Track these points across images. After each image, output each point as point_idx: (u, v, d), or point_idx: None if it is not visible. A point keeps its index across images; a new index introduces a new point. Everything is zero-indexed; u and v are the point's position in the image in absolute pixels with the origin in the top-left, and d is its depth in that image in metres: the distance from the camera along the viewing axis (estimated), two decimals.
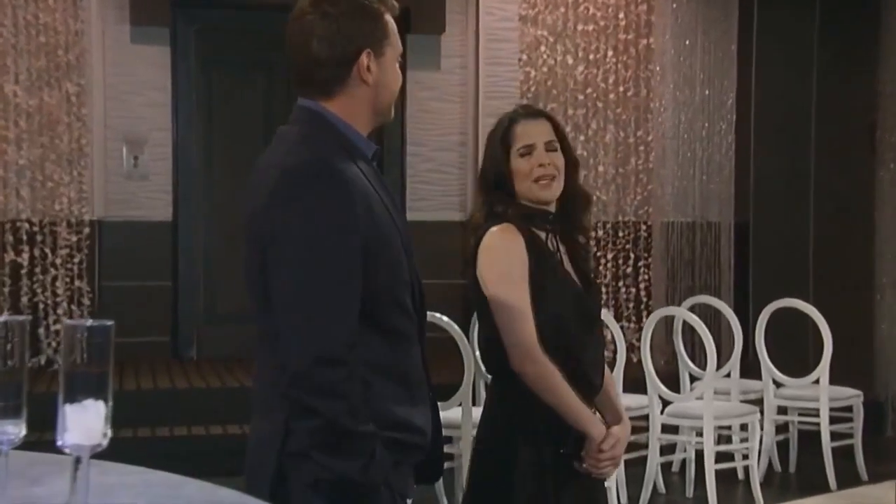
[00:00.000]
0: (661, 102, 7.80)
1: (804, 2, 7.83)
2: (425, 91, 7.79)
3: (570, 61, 7.71)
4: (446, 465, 2.60)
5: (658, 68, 7.79)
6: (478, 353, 4.10)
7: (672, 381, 5.91)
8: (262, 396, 2.17)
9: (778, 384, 6.19)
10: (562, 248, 2.81)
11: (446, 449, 2.65)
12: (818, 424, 6.04)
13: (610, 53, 7.75)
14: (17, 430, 1.54)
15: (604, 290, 7.52)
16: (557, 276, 2.75)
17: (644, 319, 7.06)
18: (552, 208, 2.81)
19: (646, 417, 5.59)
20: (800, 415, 6.31)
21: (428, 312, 2.51)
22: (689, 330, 6.10)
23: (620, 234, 7.80)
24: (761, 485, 5.73)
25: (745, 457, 5.74)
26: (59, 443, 1.48)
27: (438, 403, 2.34)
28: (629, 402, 5.53)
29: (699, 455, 5.59)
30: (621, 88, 7.77)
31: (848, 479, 6.06)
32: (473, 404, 4.97)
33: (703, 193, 7.85)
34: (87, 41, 7.07)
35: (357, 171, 2.13)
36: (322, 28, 2.15)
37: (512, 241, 2.73)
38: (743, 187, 7.86)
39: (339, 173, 2.08)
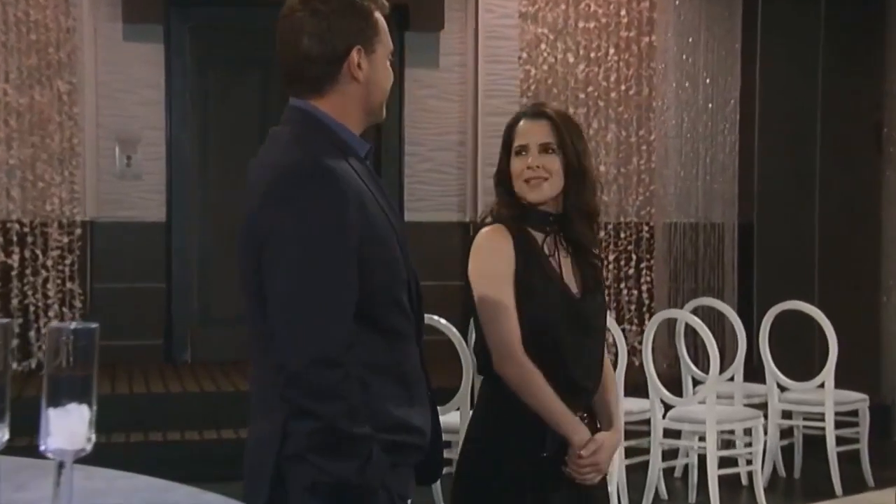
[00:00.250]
0: (664, 101, 7.80)
1: None
2: (424, 89, 7.78)
3: (571, 59, 7.70)
4: (445, 470, 2.60)
5: (660, 66, 7.79)
6: None
7: (674, 385, 5.91)
8: (261, 398, 2.19)
9: (782, 388, 6.19)
10: (561, 251, 2.81)
11: (445, 454, 2.66)
12: (823, 429, 6.03)
13: (611, 51, 7.75)
14: (1, 434, 1.53)
15: (605, 291, 7.51)
16: (546, 277, 2.75)
17: (646, 322, 7.05)
18: (552, 209, 2.81)
19: (647, 422, 5.58)
20: (804, 419, 6.31)
21: (426, 315, 2.52)
22: (691, 333, 6.09)
23: (622, 235, 7.79)
24: (765, 490, 5.73)
25: (749, 462, 5.73)
26: (41, 447, 1.48)
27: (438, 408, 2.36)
28: (630, 405, 5.54)
29: (702, 460, 5.58)
30: (623, 87, 7.77)
31: (854, 484, 6.05)
32: (472, 408, 4.96)
33: (707, 194, 7.85)
34: (79, 39, 7.07)
35: (350, 170, 2.15)
36: (312, 25, 2.17)
37: (499, 241, 2.75)
38: (747, 187, 7.85)
39: (332, 172, 2.10)
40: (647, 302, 7.77)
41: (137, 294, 7.29)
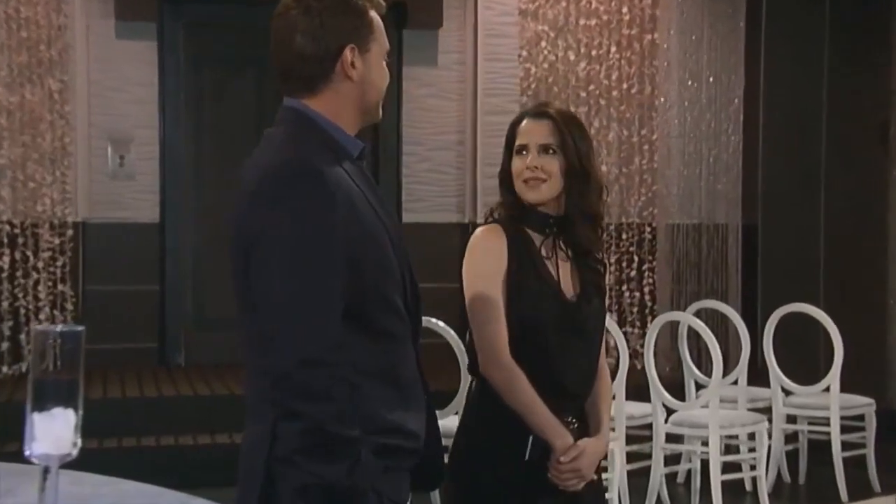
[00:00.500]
0: (666, 100, 7.80)
1: None
2: (422, 88, 7.78)
3: (572, 57, 7.70)
4: None
5: (663, 64, 7.79)
6: None
7: (677, 389, 5.91)
8: (253, 402, 2.21)
9: (787, 392, 6.18)
10: (560, 254, 2.82)
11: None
12: (829, 434, 6.03)
13: (613, 49, 7.75)
14: None
15: (607, 293, 7.51)
16: (538, 279, 2.76)
17: (648, 324, 7.05)
18: (553, 211, 2.81)
19: (649, 426, 5.58)
20: (810, 424, 6.30)
21: (424, 317, 2.52)
22: (694, 335, 6.09)
23: (624, 236, 7.79)
24: (770, 496, 5.73)
25: (753, 467, 5.73)
26: (26, 452, 1.48)
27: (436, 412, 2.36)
28: (632, 410, 5.54)
29: (705, 465, 5.58)
30: (625, 85, 7.76)
31: (860, 490, 6.04)
32: None
33: (710, 194, 7.85)
34: (71, 36, 7.06)
35: (340, 171, 2.16)
36: (305, 23, 2.19)
37: (492, 241, 2.77)
38: (751, 188, 7.85)
39: (320, 173, 2.11)
40: (649, 304, 7.77)
41: (130, 296, 7.29)
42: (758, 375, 6.47)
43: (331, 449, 2.05)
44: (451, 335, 5.00)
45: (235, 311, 2.23)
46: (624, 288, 7.77)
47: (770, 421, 5.92)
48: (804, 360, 6.82)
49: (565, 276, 2.81)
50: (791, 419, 6.29)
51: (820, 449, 6.20)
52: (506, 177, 2.85)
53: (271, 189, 2.11)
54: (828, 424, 6.04)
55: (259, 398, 2.15)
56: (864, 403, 6.23)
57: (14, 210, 6.98)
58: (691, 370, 6.10)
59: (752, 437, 5.78)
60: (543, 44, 7.67)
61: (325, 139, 2.21)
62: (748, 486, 5.95)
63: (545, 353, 2.74)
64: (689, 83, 7.82)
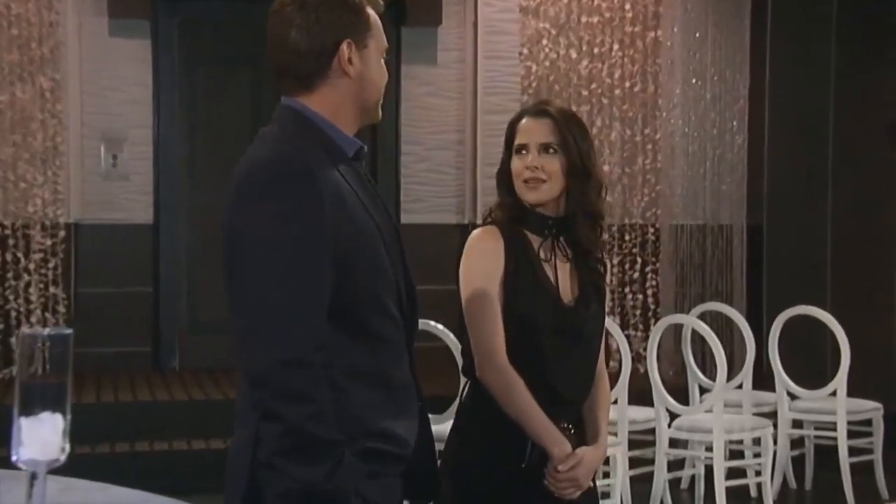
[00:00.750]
0: (670, 99, 7.80)
1: None
2: (421, 87, 7.78)
3: (574, 55, 7.70)
4: None
5: (667, 63, 7.79)
6: None
7: (680, 393, 5.90)
8: (239, 405, 2.21)
9: (793, 396, 6.18)
10: (559, 256, 2.81)
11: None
12: (835, 439, 6.02)
13: (616, 47, 7.75)
14: None
15: (609, 296, 7.51)
16: (535, 282, 2.76)
17: (651, 327, 7.04)
18: (552, 212, 2.81)
19: (652, 431, 5.58)
20: (816, 429, 6.30)
21: (422, 320, 2.51)
22: (698, 339, 6.08)
23: (627, 237, 7.79)
24: (775, 503, 5.72)
25: (758, 473, 5.72)
26: (13, 458, 1.48)
27: (433, 416, 2.35)
28: (635, 414, 5.53)
29: (709, 471, 5.57)
30: (627, 84, 7.76)
31: (867, 496, 6.04)
32: None
33: (714, 194, 7.85)
34: (63, 34, 7.06)
35: (330, 168, 2.16)
36: (300, 19, 2.21)
37: (488, 243, 2.77)
38: (756, 188, 7.85)
39: (307, 169, 2.11)
40: (652, 307, 7.77)
41: (123, 299, 7.29)
42: (763, 379, 6.47)
43: (310, 451, 2.05)
44: (450, 338, 5.00)
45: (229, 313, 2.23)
46: (627, 290, 7.77)
47: (775, 426, 5.91)
48: (810, 363, 6.81)
49: (564, 279, 2.80)
50: (797, 424, 6.28)
51: (826, 454, 6.19)
52: (505, 177, 2.84)
53: (255, 186, 2.12)
54: (834, 429, 6.04)
55: (244, 402, 2.16)
56: (871, 408, 6.23)
57: (5, 211, 6.98)
58: (695, 374, 6.09)
59: (757, 442, 5.78)
60: (545, 41, 7.67)
61: (321, 138, 2.21)
62: (753, 493, 5.95)
63: (541, 358, 2.74)
64: (693, 81, 7.82)
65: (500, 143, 2.92)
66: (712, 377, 5.71)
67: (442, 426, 2.96)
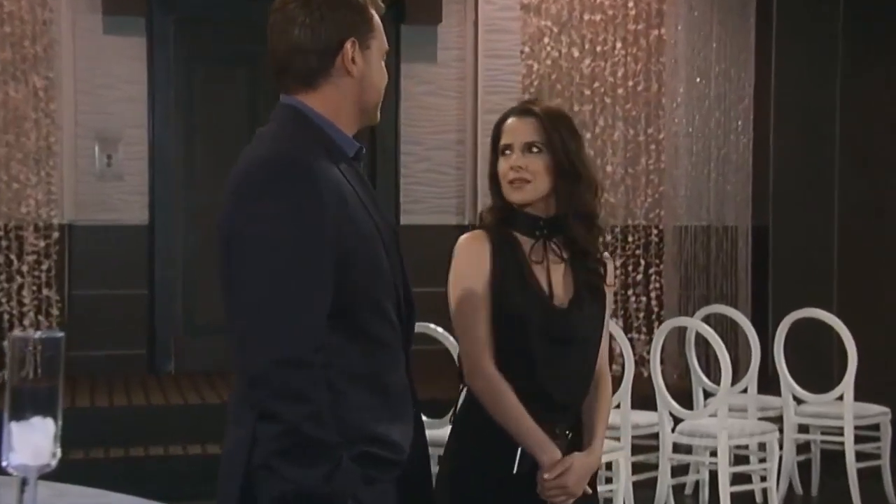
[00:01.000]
0: (674, 98, 7.80)
1: None
2: (421, 86, 7.78)
3: (576, 54, 7.70)
4: None
5: (670, 61, 7.79)
6: None
7: (684, 397, 5.90)
8: (233, 406, 2.22)
9: (799, 400, 6.17)
10: (552, 257, 2.80)
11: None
12: (842, 444, 6.02)
13: (619, 45, 7.75)
14: None
15: (612, 298, 7.51)
16: (524, 285, 2.75)
17: (655, 330, 7.04)
18: (542, 212, 2.80)
19: (656, 436, 5.58)
20: (822, 433, 6.30)
21: (422, 323, 2.51)
22: (702, 342, 6.08)
23: (630, 238, 7.79)
24: None
25: (764, 479, 5.72)
26: (3, 463, 1.48)
27: (432, 421, 2.35)
28: (638, 419, 5.53)
29: (713, 477, 5.57)
30: (631, 83, 7.76)
31: (874, 502, 6.04)
32: None
33: (719, 195, 7.85)
34: (57, 31, 7.06)
35: (331, 168, 2.17)
36: (304, 16, 2.23)
37: (475, 248, 2.78)
38: (761, 188, 7.85)
39: (308, 168, 2.12)
40: (655, 309, 7.77)
41: (118, 301, 7.28)
42: (768, 383, 6.47)
43: (308, 452, 2.05)
44: (449, 341, 5.00)
45: (224, 316, 2.23)
46: (630, 292, 7.77)
47: (781, 430, 5.91)
48: (816, 367, 6.81)
49: (557, 280, 2.79)
50: (803, 429, 6.28)
51: (833, 460, 6.19)
52: (493, 179, 2.84)
53: (255, 183, 2.12)
54: (841, 434, 6.03)
55: (239, 402, 2.17)
56: (878, 412, 6.22)
57: None
58: (699, 378, 6.09)
59: (762, 447, 5.77)
60: (546, 40, 7.67)
61: (321, 137, 2.23)
62: (759, 499, 5.94)
63: (532, 361, 2.73)
64: (698, 80, 7.82)
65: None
66: (717, 381, 5.71)
67: (441, 431, 2.96)
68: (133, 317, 7.34)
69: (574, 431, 2.80)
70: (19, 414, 1.48)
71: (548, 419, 2.73)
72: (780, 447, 5.83)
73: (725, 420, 5.42)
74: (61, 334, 1.52)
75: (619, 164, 7.77)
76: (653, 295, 7.80)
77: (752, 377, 5.99)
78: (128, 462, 6.04)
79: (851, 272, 7.79)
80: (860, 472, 6.00)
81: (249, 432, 2.09)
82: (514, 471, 2.71)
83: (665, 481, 5.55)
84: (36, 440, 1.47)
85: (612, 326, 4.82)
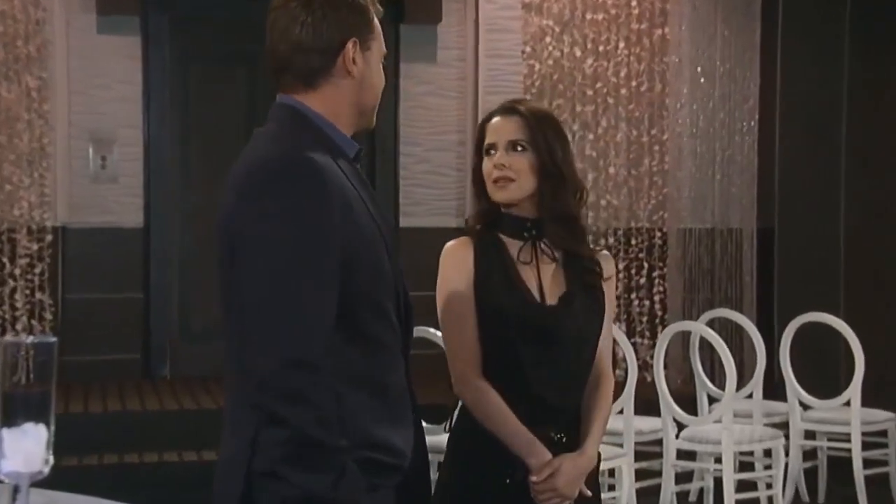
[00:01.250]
0: (678, 98, 7.80)
1: None
2: (420, 86, 7.78)
3: (578, 53, 7.70)
4: None
5: (674, 61, 7.79)
6: None
7: (688, 403, 5.90)
8: (232, 410, 2.21)
9: (805, 406, 6.17)
10: (543, 259, 2.79)
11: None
12: (849, 450, 6.02)
13: (622, 45, 7.75)
14: None
15: (615, 301, 7.51)
16: (508, 288, 2.74)
17: (658, 335, 7.04)
18: (529, 213, 2.79)
19: (659, 442, 5.57)
20: (829, 440, 6.29)
21: (421, 327, 2.52)
22: (707, 346, 6.08)
23: (633, 241, 7.78)
24: None
25: (769, 486, 5.72)
26: None
27: (432, 426, 2.35)
28: (641, 425, 5.53)
29: (718, 484, 5.57)
30: (634, 83, 7.76)
31: None
32: None
33: (724, 197, 7.85)
34: (50, 31, 7.06)
35: (335, 167, 2.18)
36: (306, 14, 2.24)
37: (458, 255, 2.79)
38: (767, 190, 7.85)
39: (314, 167, 2.12)
40: (659, 313, 7.76)
41: (113, 305, 7.28)
42: (774, 389, 6.46)
43: (316, 458, 2.05)
44: None
45: (223, 315, 2.23)
46: (633, 296, 7.76)
47: (787, 437, 5.90)
48: (823, 372, 6.81)
49: (548, 281, 2.79)
50: (809, 435, 6.27)
51: (840, 466, 6.19)
52: (477, 180, 2.85)
53: (262, 184, 2.12)
54: (848, 440, 6.03)
55: (239, 407, 2.16)
56: (886, 418, 6.22)
57: None
58: (704, 383, 6.09)
59: (768, 453, 5.77)
60: (548, 39, 7.67)
61: (321, 137, 2.23)
62: None
63: (519, 364, 2.72)
64: (702, 80, 7.82)
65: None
66: (721, 386, 5.71)
67: (441, 437, 2.96)
68: (128, 321, 7.33)
69: (570, 435, 2.77)
70: (11, 420, 1.48)
71: (540, 423, 2.72)
72: (786, 454, 5.82)
73: (730, 426, 5.42)
74: (53, 339, 1.52)
75: (621, 165, 7.77)
76: (656, 299, 7.79)
77: (757, 382, 5.99)
78: (122, 469, 6.04)
79: (858, 275, 7.79)
80: (868, 479, 6.00)
81: (250, 437, 2.09)
82: (508, 480, 2.69)
83: (669, 488, 5.54)
84: (28, 447, 1.47)
85: (615, 331, 4.82)
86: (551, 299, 2.77)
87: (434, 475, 2.79)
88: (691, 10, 7.79)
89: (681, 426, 5.60)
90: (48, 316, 7.04)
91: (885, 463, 6.21)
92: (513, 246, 2.80)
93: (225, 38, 7.55)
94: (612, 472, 5.30)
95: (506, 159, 2.77)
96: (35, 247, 7.01)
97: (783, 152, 7.84)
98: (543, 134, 2.78)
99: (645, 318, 7.77)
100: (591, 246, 2.90)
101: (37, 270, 7.02)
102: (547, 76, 7.68)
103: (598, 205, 7.60)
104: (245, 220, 2.12)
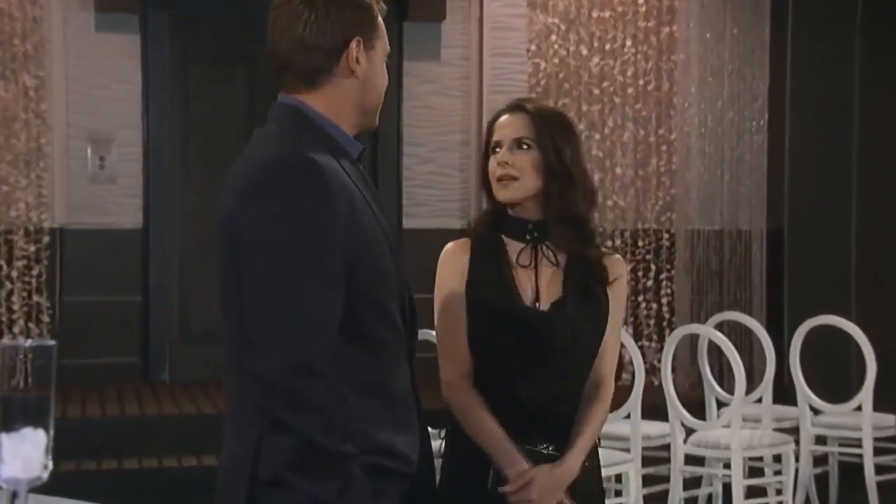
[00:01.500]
0: (686, 97, 7.80)
1: None
2: (424, 85, 7.79)
3: (585, 52, 7.71)
4: None
5: (682, 59, 7.79)
6: None
7: (696, 407, 5.89)
8: (234, 417, 2.20)
9: (815, 411, 6.16)
10: (545, 262, 2.76)
11: None
12: (861, 456, 6.01)
13: (628, 43, 7.75)
14: None
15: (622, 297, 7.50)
16: (499, 291, 2.73)
17: (666, 338, 7.04)
18: (531, 215, 2.78)
19: (667, 447, 5.57)
20: (840, 445, 6.29)
21: (424, 330, 2.51)
22: (715, 350, 6.08)
23: (640, 243, 7.78)
24: None
25: (779, 492, 5.71)
26: None
27: (436, 431, 2.35)
28: (649, 429, 5.52)
29: (727, 489, 5.56)
30: (641, 82, 7.77)
31: None
32: None
33: (732, 198, 7.84)
34: (47, 29, 7.08)
35: (337, 168, 2.18)
36: (310, 12, 2.24)
37: (453, 257, 2.79)
38: (776, 191, 7.84)
39: (318, 167, 2.12)
40: (667, 316, 7.76)
41: (111, 307, 7.29)
42: (784, 393, 6.46)
43: (322, 465, 2.05)
44: None
45: (222, 318, 2.23)
46: (640, 298, 7.76)
47: (797, 442, 5.90)
48: (834, 376, 6.80)
49: (545, 285, 2.75)
50: (820, 440, 6.27)
51: (851, 472, 6.18)
52: (485, 179, 2.83)
53: (264, 185, 2.12)
54: (860, 446, 6.02)
55: (240, 407, 2.16)
56: None
57: None
58: (712, 387, 6.08)
59: (777, 459, 5.76)
60: (553, 37, 7.67)
61: (323, 137, 2.23)
62: None
63: (506, 371, 2.70)
64: (710, 79, 7.82)
65: None
66: (730, 390, 5.70)
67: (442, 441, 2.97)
68: (126, 324, 7.35)
69: (561, 444, 2.72)
70: (9, 425, 1.48)
71: (528, 432, 2.69)
72: (797, 459, 5.81)
73: (739, 431, 5.41)
74: (53, 342, 1.52)
75: (628, 165, 7.77)
76: (664, 301, 7.79)
77: (766, 386, 5.98)
78: (121, 474, 6.04)
79: (870, 277, 7.78)
80: (880, 485, 5.99)
81: (254, 443, 2.08)
82: (488, 488, 2.67)
83: (676, 494, 5.54)
84: (27, 452, 1.47)
85: (622, 334, 4.81)
86: (545, 304, 2.74)
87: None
88: (699, 8, 7.79)
89: (689, 431, 5.59)
90: (45, 319, 7.05)
91: None
92: (513, 248, 2.78)
93: (225, 36, 7.57)
94: (618, 478, 5.29)
95: (509, 157, 2.75)
96: (32, 248, 7.03)
97: (793, 152, 7.83)
98: (550, 133, 2.75)
99: (652, 321, 7.77)
100: (602, 248, 2.86)
101: (34, 272, 7.03)
102: (552, 75, 7.68)
103: (604, 206, 7.60)
104: (245, 221, 2.12)
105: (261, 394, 2.06)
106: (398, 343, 2.26)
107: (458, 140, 7.86)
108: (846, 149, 7.86)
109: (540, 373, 2.71)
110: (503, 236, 2.79)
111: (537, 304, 2.74)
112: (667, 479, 5.57)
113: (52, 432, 1.49)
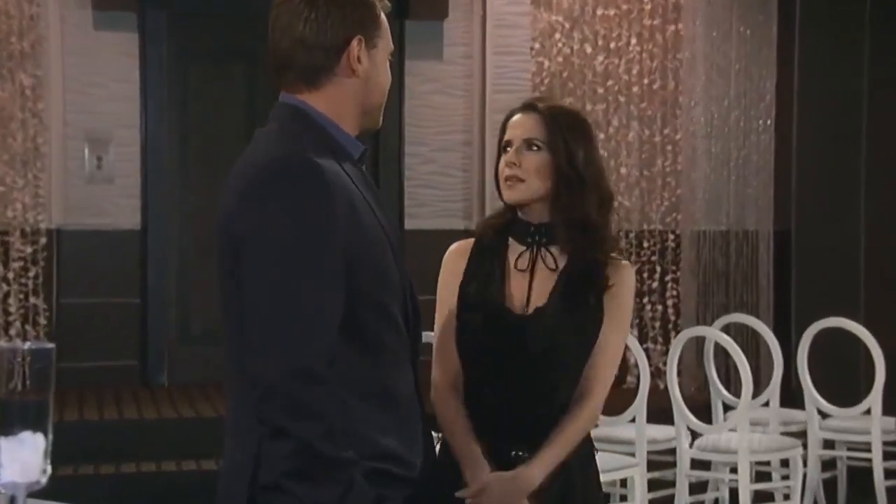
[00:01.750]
0: (691, 96, 7.80)
1: None
2: (426, 84, 7.79)
3: (589, 50, 7.71)
4: None
5: (688, 58, 7.79)
6: None
7: (703, 411, 5.89)
8: (234, 421, 2.21)
9: (824, 414, 6.16)
10: (543, 266, 2.74)
11: None
12: (870, 460, 6.01)
13: (633, 41, 7.76)
14: None
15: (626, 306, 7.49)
16: (485, 295, 2.72)
17: (671, 340, 7.03)
18: (535, 218, 2.75)
19: (673, 451, 5.56)
20: (849, 449, 6.28)
21: (427, 332, 2.51)
22: (722, 353, 6.07)
23: (645, 244, 7.78)
24: None
25: (787, 497, 5.71)
26: None
27: (438, 435, 2.35)
28: (654, 433, 5.52)
29: (734, 494, 5.56)
30: (646, 81, 7.77)
31: None
32: None
33: (739, 198, 7.84)
34: (44, 27, 7.08)
35: (338, 169, 2.18)
36: (310, 11, 2.23)
37: (452, 260, 2.81)
38: (783, 191, 7.84)
39: (318, 169, 2.12)
40: (672, 318, 7.76)
41: (109, 310, 7.29)
42: (791, 396, 6.46)
43: (322, 472, 2.05)
44: None
45: (222, 321, 2.23)
46: (645, 301, 7.76)
47: (805, 446, 5.89)
48: (842, 379, 6.79)
49: (538, 291, 2.72)
50: (828, 444, 6.26)
51: (860, 477, 6.17)
52: (497, 178, 2.81)
53: (264, 186, 2.12)
54: (869, 450, 6.02)
55: (240, 408, 2.16)
56: None
57: None
58: (718, 390, 6.08)
59: (785, 463, 5.76)
60: (557, 36, 7.68)
61: (324, 137, 2.23)
62: None
63: (483, 375, 2.70)
64: (716, 78, 7.82)
65: None
66: (737, 394, 5.70)
67: None
68: (124, 326, 7.35)
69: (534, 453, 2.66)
70: (7, 429, 1.48)
71: (501, 437, 2.66)
72: (804, 464, 5.81)
73: (746, 435, 5.41)
74: (52, 345, 1.52)
75: (633, 165, 7.77)
76: (669, 303, 7.79)
77: (774, 390, 5.98)
78: (119, 478, 6.04)
79: (879, 279, 7.78)
80: (889, 490, 5.99)
81: (254, 449, 2.09)
82: (458, 494, 2.63)
83: (683, 499, 5.54)
84: (25, 456, 1.47)
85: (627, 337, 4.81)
86: (532, 309, 2.70)
87: None
88: (706, 6, 7.79)
89: (695, 435, 5.59)
90: (42, 321, 7.05)
91: None
92: (515, 250, 2.76)
93: (224, 35, 7.57)
94: (623, 483, 5.29)
95: (516, 157, 2.72)
96: (29, 250, 7.03)
97: (800, 152, 7.83)
98: (563, 134, 2.71)
99: (658, 324, 7.77)
100: (612, 255, 2.76)
101: (31, 274, 7.03)
102: (556, 74, 7.68)
103: None
104: (245, 221, 2.12)
105: (260, 399, 2.06)
106: (400, 345, 2.26)
107: (461, 140, 7.86)
108: (855, 148, 7.85)
109: (513, 379, 2.68)
110: (510, 238, 2.78)
111: (526, 309, 2.71)
112: (672, 483, 5.57)
113: (50, 436, 1.50)
